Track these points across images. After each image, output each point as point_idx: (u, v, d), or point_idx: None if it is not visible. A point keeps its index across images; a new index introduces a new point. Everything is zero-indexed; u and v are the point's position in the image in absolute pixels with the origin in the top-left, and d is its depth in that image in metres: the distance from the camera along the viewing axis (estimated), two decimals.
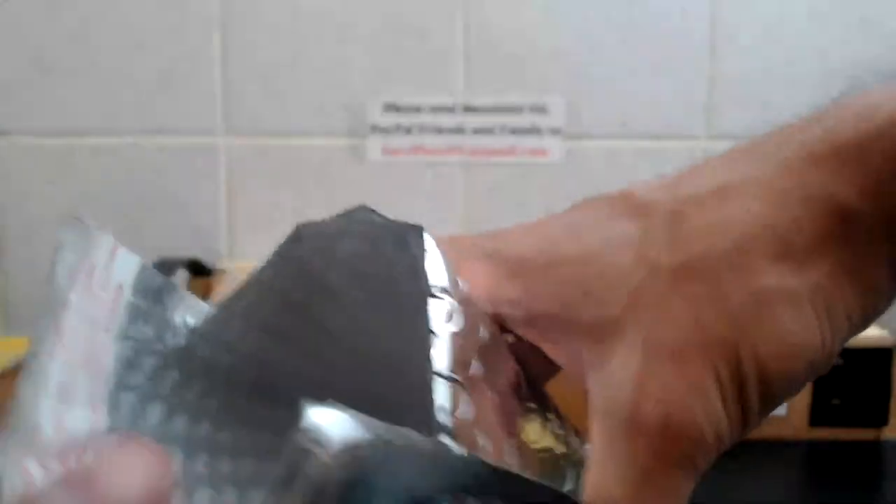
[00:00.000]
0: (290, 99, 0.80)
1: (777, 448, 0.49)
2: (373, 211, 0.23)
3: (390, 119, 0.79)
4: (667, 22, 0.79)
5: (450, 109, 0.79)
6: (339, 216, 0.24)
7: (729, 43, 0.79)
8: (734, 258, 0.22)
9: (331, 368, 0.25)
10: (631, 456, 0.22)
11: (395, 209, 0.78)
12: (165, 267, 0.64)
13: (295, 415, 0.17)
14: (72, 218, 0.23)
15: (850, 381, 0.51)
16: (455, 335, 0.22)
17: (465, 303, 0.23)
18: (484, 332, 0.24)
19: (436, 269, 0.22)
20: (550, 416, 0.26)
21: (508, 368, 0.25)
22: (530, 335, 0.25)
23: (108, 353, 0.22)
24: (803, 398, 0.51)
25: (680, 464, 0.22)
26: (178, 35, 0.79)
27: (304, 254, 0.25)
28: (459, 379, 0.21)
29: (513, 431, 0.23)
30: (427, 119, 0.79)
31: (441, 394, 0.20)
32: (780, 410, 0.51)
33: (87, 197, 0.80)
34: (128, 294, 0.23)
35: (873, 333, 0.52)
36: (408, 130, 0.79)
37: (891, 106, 0.22)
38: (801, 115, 0.24)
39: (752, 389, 0.22)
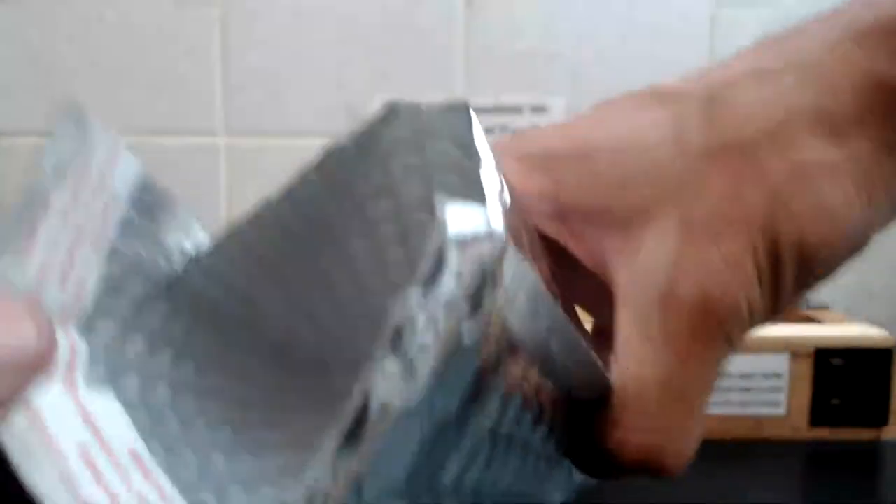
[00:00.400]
0: (290, 99, 0.80)
1: (777, 448, 0.49)
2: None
3: None
4: (667, 22, 0.79)
5: None
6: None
7: (729, 43, 0.79)
8: (773, 133, 0.22)
9: (318, 323, 0.24)
10: (667, 335, 0.21)
11: None
12: None
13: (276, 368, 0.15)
14: (74, 105, 0.19)
15: (850, 381, 0.51)
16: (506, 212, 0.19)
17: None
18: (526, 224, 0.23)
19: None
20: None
21: (544, 267, 0.24)
22: (556, 230, 0.25)
23: (91, 270, 0.19)
24: (803, 398, 0.51)
25: (717, 339, 0.21)
26: (178, 35, 0.79)
27: (323, 180, 0.23)
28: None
29: None
30: None
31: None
32: (780, 410, 0.51)
33: None
34: (123, 205, 0.20)
35: (873, 333, 0.52)
36: None
37: None
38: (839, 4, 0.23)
39: (788, 264, 0.21)
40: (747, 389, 0.51)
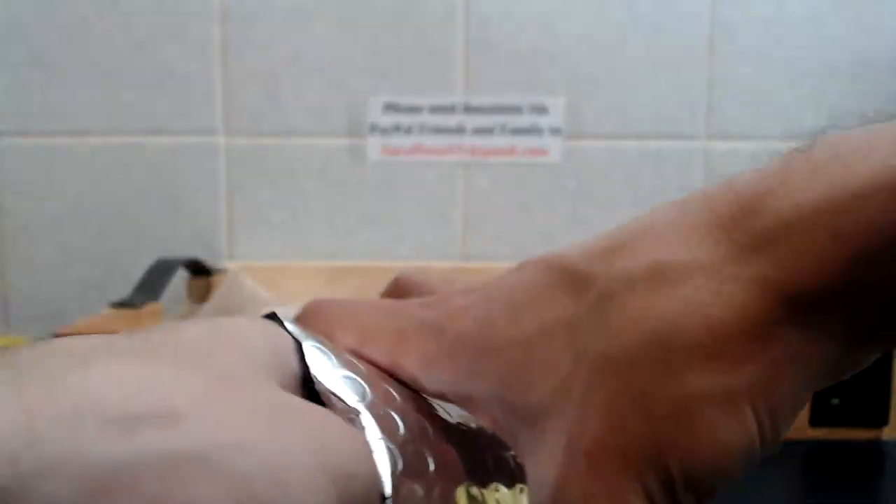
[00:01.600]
0: (290, 99, 0.80)
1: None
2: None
3: (390, 119, 0.79)
4: (666, 22, 0.79)
5: (450, 109, 0.79)
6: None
7: (728, 43, 0.79)
8: (659, 354, 0.20)
9: None
10: None
11: (396, 209, 0.78)
12: (165, 267, 0.64)
13: None
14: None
15: (849, 382, 0.51)
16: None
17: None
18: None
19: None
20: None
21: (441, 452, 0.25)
22: (467, 409, 0.25)
23: None
24: None
25: None
26: (178, 35, 0.79)
27: None
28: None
29: None
30: (427, 119, 0.79)
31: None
32: None
33: (87, 197, 0.80)
34: None
35: None
36: (408, 130, 0.79)
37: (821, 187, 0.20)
38: (754, 174, 0.21)
39: (682, 490, 0.20)
40: None
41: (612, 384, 0.20)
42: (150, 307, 0.63)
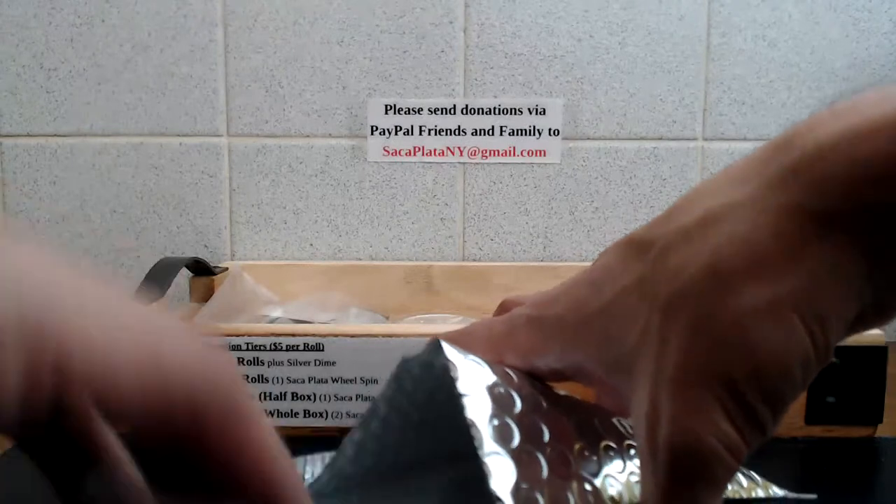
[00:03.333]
0: (291, 100, 0.80)
1: (771, 445, 0.50)
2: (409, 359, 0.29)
3: (391, 120, 0.80)
4: (664, 24, 0.79)
5: (450, 110, 0.80)
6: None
7: (725, 45, 0.80)
8: (712, 282, 0.23)
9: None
10: (652, 478, 0.24)
11: (396, 209, 0.79)
12: (168, 266, 0.65)
13: None
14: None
15: (844, 380, 0.52)
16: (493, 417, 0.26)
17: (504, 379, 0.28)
18: (522, 402, 0.28)
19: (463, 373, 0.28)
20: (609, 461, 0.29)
21: (557, 428, 0.29)
22: (579, 379, 0.29)
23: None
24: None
25: (695, 481, 0.23)
26: (180, 35, 0.79)
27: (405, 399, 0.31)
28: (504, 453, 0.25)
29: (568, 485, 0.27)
30: (427, 120, 0.80)
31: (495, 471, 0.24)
32: None
33: (89, 197, 0.81)
34: None
35: (868, 332, 0.53)
36: (408, 131, 0.80)
37: (849, 120, 0.23)
38: (786, 128, 0.25)
39: (754, 401, 0.23)
40: None
41: (680, 317, 0.24)
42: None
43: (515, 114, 0.80)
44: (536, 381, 0.30)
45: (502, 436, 0.26)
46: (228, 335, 0.51)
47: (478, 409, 0.26)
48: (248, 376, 0.51)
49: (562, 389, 0.31)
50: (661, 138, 0.81)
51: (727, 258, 0.23)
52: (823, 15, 0.79)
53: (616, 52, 0.80)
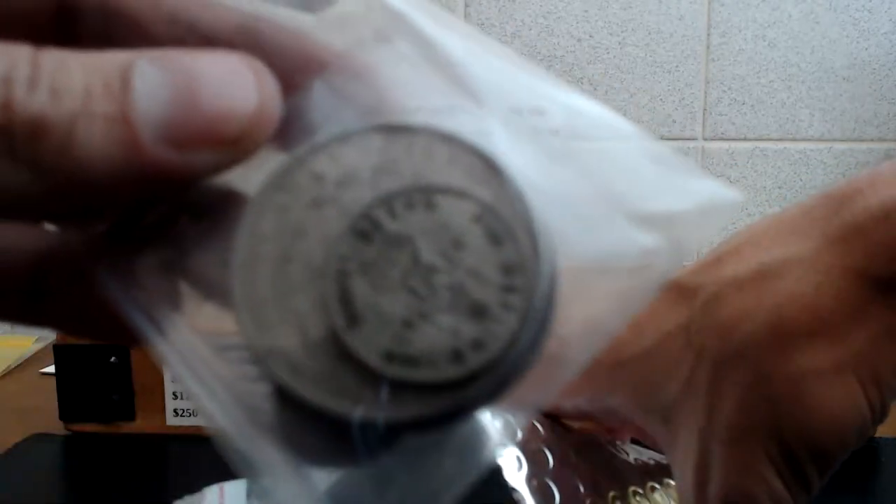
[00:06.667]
0: None
1: None
2: None
3: None
4: (664, 24, 0.79)
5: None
6: None
7: (725, 44, 0.80)
8: (772, 340, 0.23)
9: None
10: None
11: None
12: None
13: None
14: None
15: None
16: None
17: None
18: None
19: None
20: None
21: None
22: (606, 421, 0.29)
23: None
24: None
25: None
26: None
27: None
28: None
29: None
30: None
31: None
32: None
33: None
34: None
35: None
36: None
37: None
38: (844, 182, 0.24)
39: (806, 462, 0.23)
40: None
41: (734, 374, 0.23)
42: None
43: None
44: (556, 425, 0.29)
45: (544, 497, 0.25)
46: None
47: (514, 470, 0.25)
48: None
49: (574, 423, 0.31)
50: (660, 138, 0.80)
51: (789, 318, 0.23)
52: (823, 15, 0.79)
53: (616, 52, 0.80)
